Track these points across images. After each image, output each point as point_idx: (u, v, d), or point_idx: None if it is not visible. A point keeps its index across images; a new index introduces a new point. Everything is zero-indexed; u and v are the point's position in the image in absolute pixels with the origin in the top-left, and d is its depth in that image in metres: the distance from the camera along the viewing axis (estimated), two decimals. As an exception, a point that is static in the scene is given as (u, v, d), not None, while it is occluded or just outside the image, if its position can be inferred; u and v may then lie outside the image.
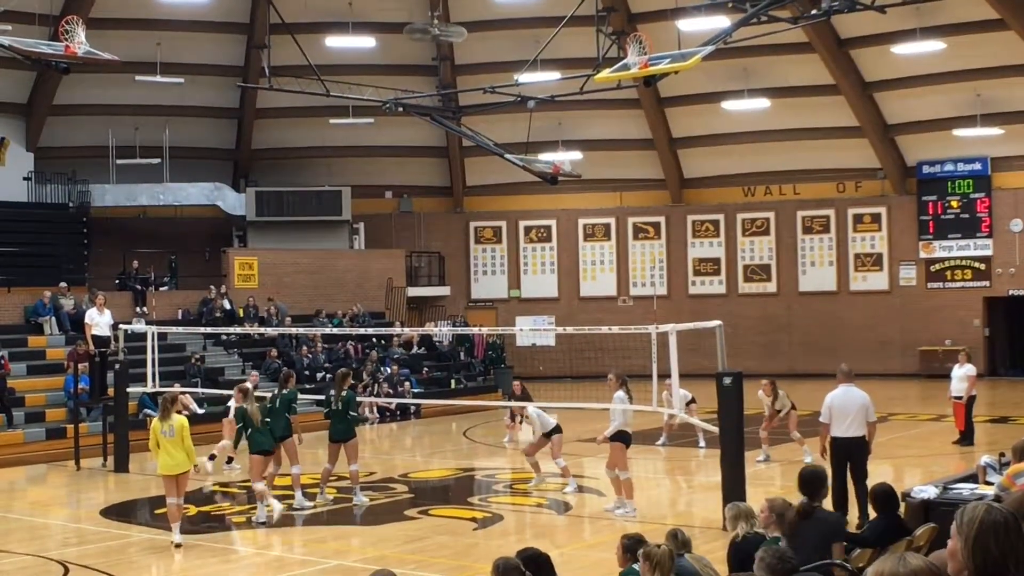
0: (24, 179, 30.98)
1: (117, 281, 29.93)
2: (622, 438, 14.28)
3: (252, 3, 31.99)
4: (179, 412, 18.85)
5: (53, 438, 22.36)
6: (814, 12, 21.94)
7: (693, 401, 20.41)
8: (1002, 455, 11.60)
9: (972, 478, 11.81)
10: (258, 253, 32.66)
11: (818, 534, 8.01)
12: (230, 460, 19.11)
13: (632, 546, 7.40)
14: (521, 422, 20.87)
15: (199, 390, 24.82)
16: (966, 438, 19.84)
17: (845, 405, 12.76)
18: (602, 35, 22.91)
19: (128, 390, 20.56)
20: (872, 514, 10.77)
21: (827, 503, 12.02)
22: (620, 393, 14.27)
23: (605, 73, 19.92)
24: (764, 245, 36.00)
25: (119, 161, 32.30)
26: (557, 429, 16.74)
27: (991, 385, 30.56)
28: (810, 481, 8.53)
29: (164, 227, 33.24)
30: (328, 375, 28.60)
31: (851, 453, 12.72)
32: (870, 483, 9.74)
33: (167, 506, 13.57)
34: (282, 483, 16.05)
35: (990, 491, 10.04)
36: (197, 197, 33.39)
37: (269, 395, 16.58)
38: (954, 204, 33.60)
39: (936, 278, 34.06)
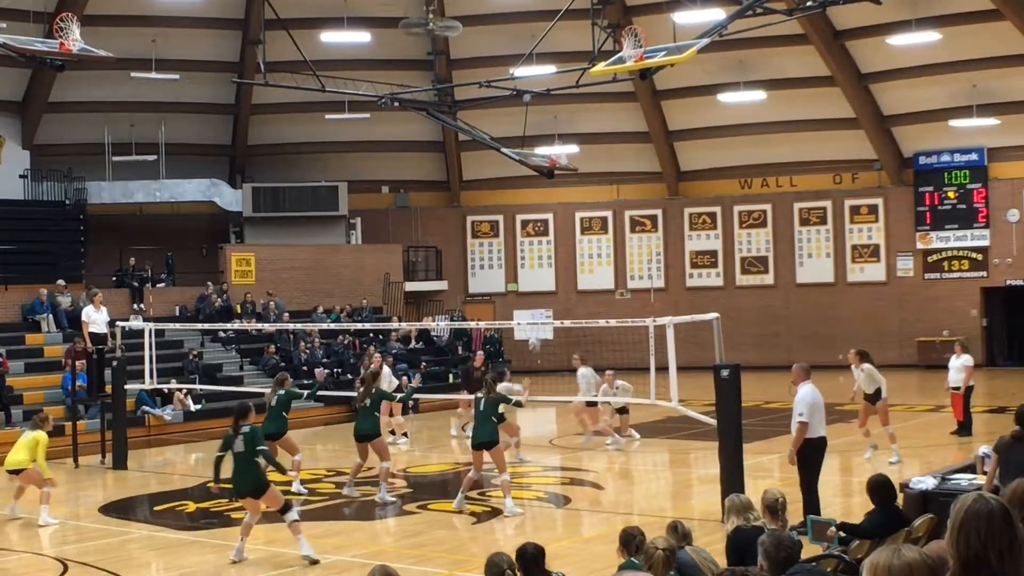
0: (20, 177, 30.95)
1: (114, 278, 29.95)
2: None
3: (247, -1, 31.96)
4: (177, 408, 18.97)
5: (51, 435, 22.32)
6: (809, 4, 21.89)
7: (625, 411, 20.30)
8: (1000, 445, 11.60)
9: (970, 468, 11.83)
10: (255, 249, 32.66)
11: None
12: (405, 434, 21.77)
13: (630, 540, 7.40)
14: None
15: (197, 386, 24.86)
16: (964, 428, 19.84)
17: (818, 403, 12.64)
18: (598, 28, 22.86)
19: (126, 387, 20.56)
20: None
21: (796, 511, 12.00)
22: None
23: (601, 66, 19.89)
24: (761, 237, 36.00)
25: (115, 158, 32.26)
26: None
27: (989, 375, 30.56)
28: None
29: (161, 224, 33.23)
30: (326, 370, 28.64)
31: (822, 453, 12.69)
32: (868, 474, 9.73)
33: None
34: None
35: (988, 481, 10.05)
36: (193, 193, 33.35)
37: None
38: (951, 195, 33.59)
39: (933, 269, 34.06)
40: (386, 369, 21.54)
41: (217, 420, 25.32)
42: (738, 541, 8.02)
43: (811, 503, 12.19)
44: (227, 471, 12.43)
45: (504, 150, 26.89)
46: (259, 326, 27.97)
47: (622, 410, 20.31)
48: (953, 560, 3.27)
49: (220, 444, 12.61)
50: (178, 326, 27.36)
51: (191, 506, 15.75)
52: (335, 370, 28.87)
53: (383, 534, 13.64)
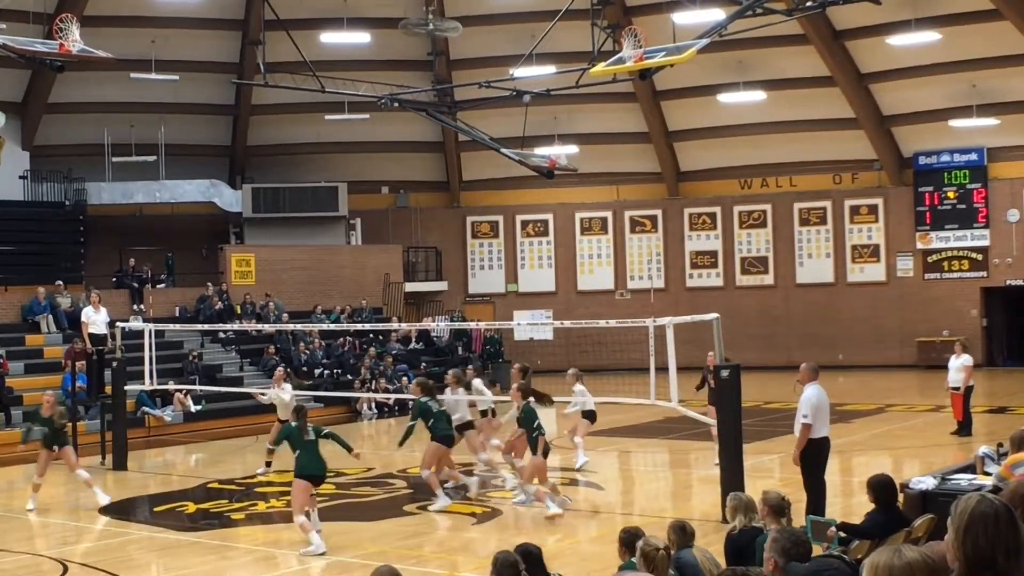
0: (20, 178, 30.93)
1: (114, 279, 29.96)
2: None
3: (247, -1, 31.97)
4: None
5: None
6: (809, 4, 21.91)
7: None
8: (1000, 445, 11.61)
9: (970, 469, 11.81)
10: (255, 250, 32.65)
11: None
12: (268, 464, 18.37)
13: (630, 540, 7.40)
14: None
15: (197, 387, 24.85)
16: (964, 428, 19.85)
17: (822, 404, 12.58)
18: (597, 29, 22.87)
19: (126, 388, 20.56)
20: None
21: (799, 513, 11.98)
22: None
23: (601, 67, 19.90)
24: (761, 237, 36.00)
25: (115, 159, 32.25)
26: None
27: (989, 375, 30.58)
28: None
29: (160, 224, 33.23)
30: (326, 371, 28.65)
31: (825, 453, 12.66)
32: (868, 474, 9.71)
33: None
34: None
35: (988, 481, 10.04)
36: (193, 194, 33.35)
37: None
38: (951, 195, 33.59)
39: (933, 269, 34.07)
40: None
41: (217, 421, 25.37)
42: (738, 541, 8.02)
43: (816, 503, 12.18)
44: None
45: (504, 150, 26.90)
46: (259, 327, 27.97)
47: (486, 413, 17.73)
48: (959, 562, 3.28)
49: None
50: (178, 327, 27.34)
51: (191, 507, 15.74)
52: (335, 371, 28.86)
53: (384, 535, 13.63)
